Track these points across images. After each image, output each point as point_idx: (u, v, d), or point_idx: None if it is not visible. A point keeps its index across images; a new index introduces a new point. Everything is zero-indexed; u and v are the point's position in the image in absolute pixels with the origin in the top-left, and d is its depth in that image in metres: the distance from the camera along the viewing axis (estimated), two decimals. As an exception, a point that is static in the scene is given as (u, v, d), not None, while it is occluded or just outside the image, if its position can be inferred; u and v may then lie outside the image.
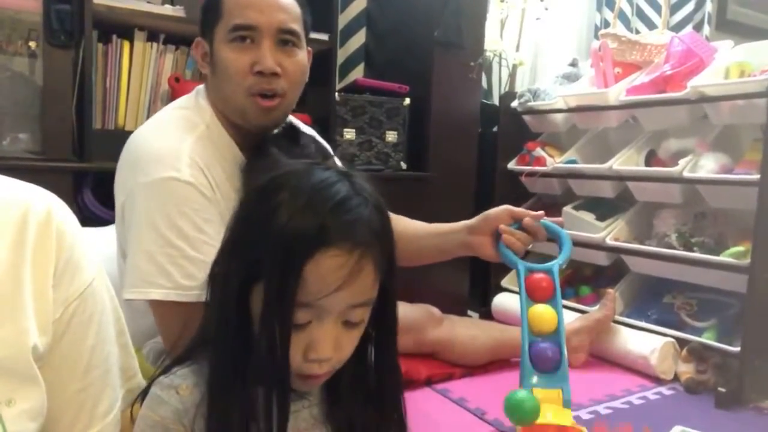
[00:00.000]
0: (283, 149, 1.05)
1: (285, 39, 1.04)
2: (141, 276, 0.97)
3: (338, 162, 0.72)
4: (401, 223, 1.27)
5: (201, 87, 1.15)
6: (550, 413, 0.88)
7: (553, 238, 1.09)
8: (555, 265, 1.02)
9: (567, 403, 0.91)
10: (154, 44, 1.75)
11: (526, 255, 1.09)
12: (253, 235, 0.60)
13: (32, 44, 1.55)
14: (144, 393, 0.65)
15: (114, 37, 1.69)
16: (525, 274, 1.02)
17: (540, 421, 0.86)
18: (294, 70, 1.06)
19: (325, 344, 0.59)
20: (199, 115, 1.08)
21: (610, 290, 1.88)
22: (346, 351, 0.63)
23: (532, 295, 1.00)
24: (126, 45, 1.71)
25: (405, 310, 1.61)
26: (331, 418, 0.68)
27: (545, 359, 0.94)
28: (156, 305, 0.99)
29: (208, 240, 0.97)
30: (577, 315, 1.88)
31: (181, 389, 0.62)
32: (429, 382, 1.60)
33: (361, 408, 0.68)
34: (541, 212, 1.10)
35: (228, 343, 0.61)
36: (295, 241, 0.56)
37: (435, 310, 1.72)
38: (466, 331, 1.74)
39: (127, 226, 1.02)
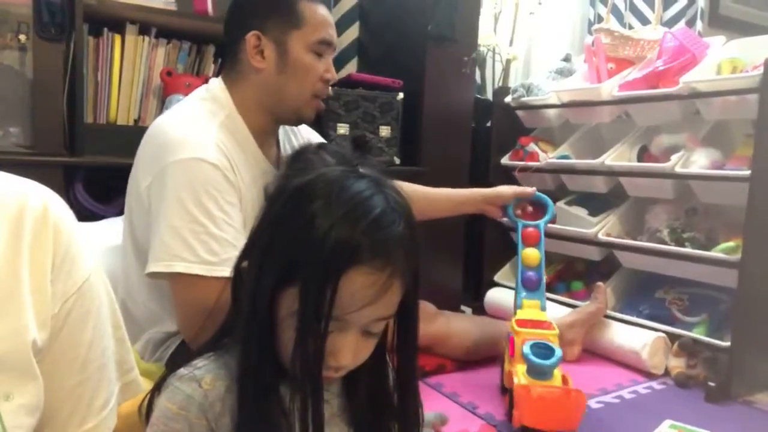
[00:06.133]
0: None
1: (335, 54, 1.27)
2: (166, 250, 1.01)
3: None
4: (417, 189, 1.51)
5: (217, 80, 1.23)
6: (532, 313, 1.41)
7: (543, 204, 1.55)
8: (542, 222, 1.51)
9: (543, 309, 1.43)
10: (146, 38, 1.74)
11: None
12: (289, 239, 0.60)
13: (22, 37, 1.53)
14: (158, 384, 0.63)
15: (105, 30, 1.68)
16: (522, 228, 1.51)
17: (524, 317, 1.40)
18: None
19: (345, 353, 0.61)
20: (218, 105, 1.18)
21: (600, 283, 1.89)
22: (363, 357, 0.65)
23: (526, 241, 1.50)
24: (117, 38, 1.70)
25: None
26: (347, 412, 0.70)
27: (531, 282, 1.46)
28: (177, 279, 1.02)
29: (230, 221, 1.04)
30: (569, 309, 1.89)
31: (204, 382, 0.61)
32: (421, 375, 1.60)
33: (378, 410, 0.70)
34: (534, 189, 1.55)
35: (255, 340, 0.61)
36: (332, 254, 0.56)
37: (429, 306, 1.73)
38: (461, 325, 1.74)
39: (155, 206, 1.06)
